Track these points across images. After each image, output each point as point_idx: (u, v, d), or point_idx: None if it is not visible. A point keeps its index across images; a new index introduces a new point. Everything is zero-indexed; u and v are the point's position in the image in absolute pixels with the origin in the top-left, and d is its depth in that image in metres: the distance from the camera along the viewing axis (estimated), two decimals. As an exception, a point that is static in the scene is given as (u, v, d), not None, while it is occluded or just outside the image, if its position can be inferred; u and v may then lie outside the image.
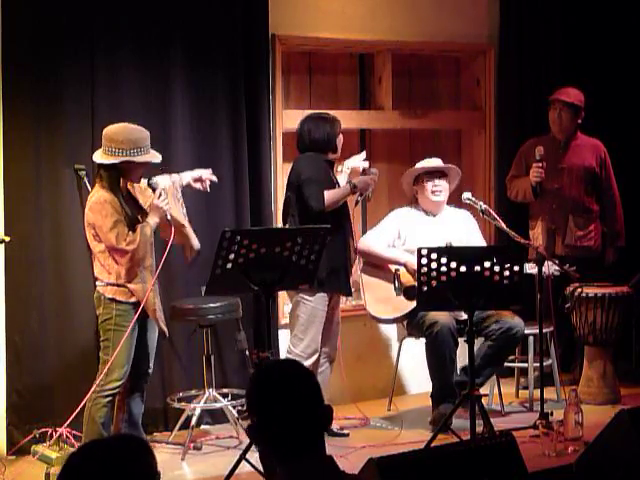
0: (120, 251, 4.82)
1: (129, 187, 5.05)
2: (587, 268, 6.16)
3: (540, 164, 6.33)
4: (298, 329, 5.50)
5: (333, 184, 5.54)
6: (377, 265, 5.91)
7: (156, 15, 5.72)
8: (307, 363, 5.48)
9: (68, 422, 4.99)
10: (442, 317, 5.59)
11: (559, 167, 6.52)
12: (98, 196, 4.85)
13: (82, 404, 4.87)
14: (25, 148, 5.45)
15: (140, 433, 5.12)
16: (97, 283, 4.97)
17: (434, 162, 6.07)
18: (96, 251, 4.90)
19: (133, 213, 4.95)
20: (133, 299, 4.90)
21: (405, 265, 5.80)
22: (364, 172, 5.69)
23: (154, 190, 5.02)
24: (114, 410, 5.06)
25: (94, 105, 5.55)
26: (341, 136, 5.62)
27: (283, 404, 2.47)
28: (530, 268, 5.63)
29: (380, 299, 5.85)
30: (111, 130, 4.91)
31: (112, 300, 4.89)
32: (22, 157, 5.44)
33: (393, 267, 5.89)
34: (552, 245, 6.47)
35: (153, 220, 4.93)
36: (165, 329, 5.08)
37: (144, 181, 5.07)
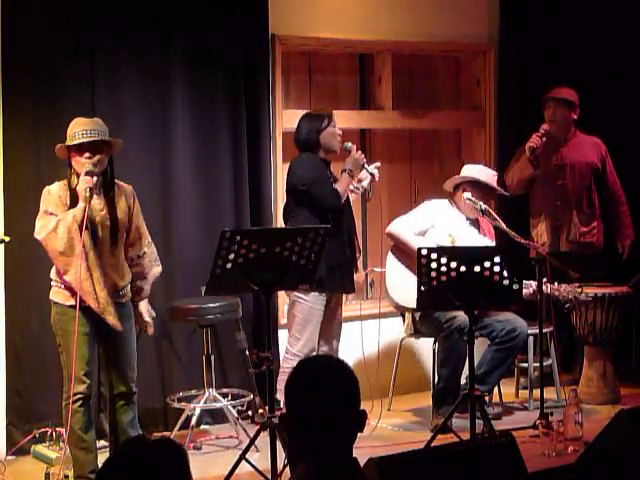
0: (40, 243, 4.66)
1: (117, 187, 4.82)
2: (590, 265, 6.17)
3: (540, 133, 6.35)
4: (295, 328, 5.50)
5: (333, 181, 5.54)
6: (406, 251, 5.84)
7: (156, 15, 5.72)
8: None
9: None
10: (459, 313, 5.56)
11: (561, 164, 6.53)
12: (49, 187, 4.73)
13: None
14: (25, 148, 5.45)
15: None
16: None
17: (490, 177, 5.94)
18: None
19: (102, 210, 4.70)
20: (71, 302, 4.66)
21: None
22: (349, 154, 5.58)
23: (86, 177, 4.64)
24: (96, 411, 4.99)
25: (94, 105, 5.55)
26: (330, 131, 5.53)
27: (317, 400, 2.46)
28: (528, 287, 5.60)
29: (402, 285, 5.80)
30: None
31: (54, 303, 4.75)
32: (22, 157, 5.45)
33: None
34: (556, 242, 6.48)
35: (78, 208, 4.59)
36: (117, 323, 4.69)
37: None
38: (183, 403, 5.67)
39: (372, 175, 5.59)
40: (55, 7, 5.44)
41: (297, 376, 2.55)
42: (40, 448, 5.26)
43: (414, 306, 5.74)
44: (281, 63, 6.21)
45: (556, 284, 5.73)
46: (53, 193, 4.70)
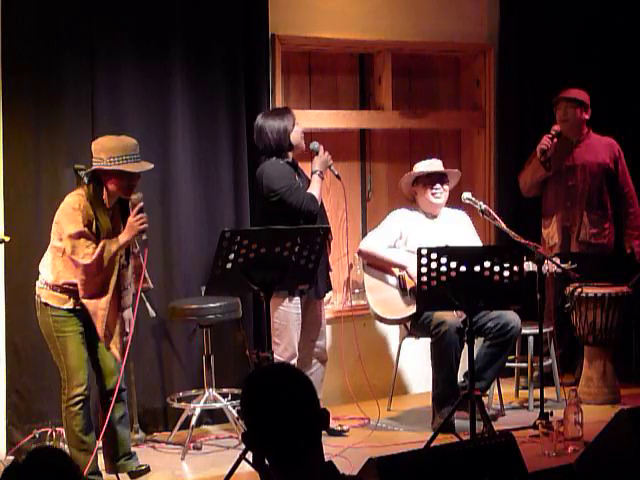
0: (74, 262, 4.60)
1: (130, 200, 4.83)
2: (601, 266, 6.16)
3: (550, 135, 6.36)
4: (274, 333, 5.40)
5: (304, 183, 5.53)
6: (379, 266, 5.89)
7: (156, 15, 5.72)
8: None
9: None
10: (449, 317, 5.58)
11: (573, 164, 6.52)
12: (74, 200, 4.65)
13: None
14: (25, 148, 5.44)
15: (122, 438, 4.93)
16: (39, 278, 4.77)
17: (434, 165, 6.02)
18: (53, 247, 4.72)
19: (114, 228, 4.72)
20: (68, 305, 4.68)
21: (406, 268, 5.76)
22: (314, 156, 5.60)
23: (134, 206, 4.76)
24: (95, 412, 4.96)
25: (94, 105, 5.55)
26: (297, 130, 5.51)
27: (274, 409, 2.45)
28: (531, 267, 5.63)
29: (384, 300, 5.83)
30: (97, 140, 4.77)
31: (46, 305, 4.72)
32: (22, 157, 5.44)
33: (396, 270, 5.87)
34: (567, 243, 6.47)
35: (123, 239, 4.66)
36: (116, 353, 4.73)
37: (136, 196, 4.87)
38: (183, 403, 5.67)
39: (337, 176, 5.61)
40: (55, 7, 5.43)
41: (249, 391, 2.53)
42: (40, 448, 5.25)
43: (401, 317, 5.79)
44: (281, 63, 6.20)
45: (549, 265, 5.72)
46: (83, 209, 4.61)
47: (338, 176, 5.64)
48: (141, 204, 4.74)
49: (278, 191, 5.39)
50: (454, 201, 6.11)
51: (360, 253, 5.93)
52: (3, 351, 5.42)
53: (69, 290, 4.68)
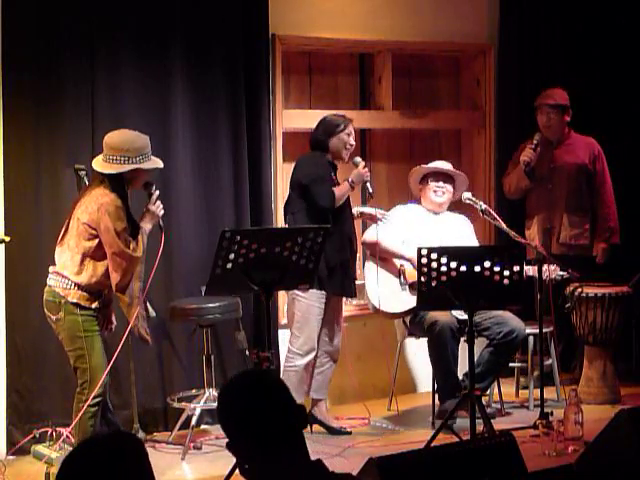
0: (127, 256, 4.72)
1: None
2: (583, 267, 6.16)
3: (533, 146, 6.39)
4: (294, 326, 5.53)
5: (334, 184, 5.57)
6: (382, 258, 5.87)
7: (156, 15, 5.72)
8: (304, 360, 5.51)
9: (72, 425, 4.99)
10: (442, 316, 5.59)
11: (553, 167, 6.53)
12: (111, 199, 4.73)
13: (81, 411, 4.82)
14: (25, 148, 5.45)
15: (115, 422, 5.10)
16: (54, 281, 4.80)
17: (444, 165, 6.07)
18: (80, 247, 4.75)
19: (134, 220, 4.90)
20: (95, 304, 4.79)
21: (410, 261, 5.76)
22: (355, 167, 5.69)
23: (150, 194, 4.94)
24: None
25: (94, 105, 5.55)
26: (341, 137, 5.61)
27: (247, 416, 2.47)
28: (532, 271, 5.64)
29: (384, 292, 5.83)
30: (113, 138, 4.83)
31: (76, 305, 4.77)
32: (22, 157, 5.45)
33: (398, 262, 5.88)
34: (548, 244, 6.47)
35: (147, 226, 4.89)
36: (147, 337, 4.96)
37: None
38: (183, 403, 5.66)
39: (369, 194, 5.66)
40: (55, 7, 5.43)
41: (223, 401, 2.56)
42: (40, 448, 5.26)
43: (400, 311, 5.80)
44: (281, 63, 6.20)
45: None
46: (121, 207, 4.76)
47: (371, 195, 5.67)
48: (157, 192, 4.95)
49: (309, 176, 5.47)
50: (455, 202, 6.11)
51: (365, 243, 5.94)
52: (3, 351, 5.42)
53: (98, 290, 4.78)
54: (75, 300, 4.76)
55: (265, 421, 2.46)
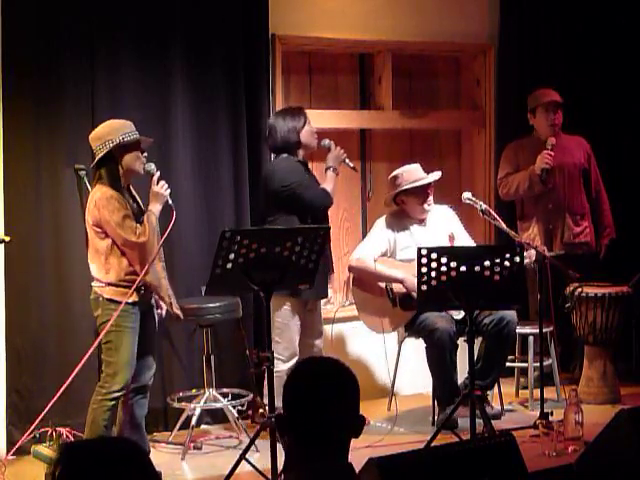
0: (131, 244, 4.79)
1: (131, 188, 5.03)
2: (588, 264, 6.16)
3: (551, 151, 6.36)
4: (275, 332, 5.42)
5: (317, 181, 5.57)
6: (368, 280, 5.84)
7: (156, 15, 5.72)
8: (286, 366, 5.45)
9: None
10: (441, 322, 5.58)
11: (551, 167, 6.52)
12: (102, 192, 4.81)
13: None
14: (25, 148, 5.45)
15: (142, 435, 5.09)
16: (94, 284, 4.92)
17: (415, 171, 5.86)
18: (100, 248, 4.84)
19: (138, 207, 4.97)
20: (132, 299, 4.85)
21: (403, 282, 5.72)
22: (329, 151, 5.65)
23: (152, 177, 5.00)
24: (117, 412, 5.04)
25: (94, 105, 5.55)
26: (308, 129, 5.56)
27: (315, 403, 2.43)
28: (527, 257, 5.59)
29: (375, 313, 5.82)
30: (93, 131, 4.95)
31: (111, 301, 4.85)
32: (22, 157, 5.45)
33: (382, 283, 5.83)
34: (550, 245, 6.46)
35: (156, 207, 4.95)
36: (179, 313, 5.07)
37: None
38: (183, 403, 5.67)
39: (353, 168, 5.63)
40: (55, 7, 5.44)
41: (296, 377, 2.51)
42: (40, 448, 5.26)
43: (390, 330, 5.79)
44: (281, 63, 6.21)
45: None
46: (114, 197, 4.79)
47: (354, 168, 5.73)
48: (158, 173, 4.99)
49: (291, 185, 5.43)
50: (454, 201, 6.11)
51: (351, 269, 5.89)
52: (3, 351, 5.42)
53: (132, 281, 4.82)
54: (109, 296, 4.85)
55: (327, 413, 2.42)
